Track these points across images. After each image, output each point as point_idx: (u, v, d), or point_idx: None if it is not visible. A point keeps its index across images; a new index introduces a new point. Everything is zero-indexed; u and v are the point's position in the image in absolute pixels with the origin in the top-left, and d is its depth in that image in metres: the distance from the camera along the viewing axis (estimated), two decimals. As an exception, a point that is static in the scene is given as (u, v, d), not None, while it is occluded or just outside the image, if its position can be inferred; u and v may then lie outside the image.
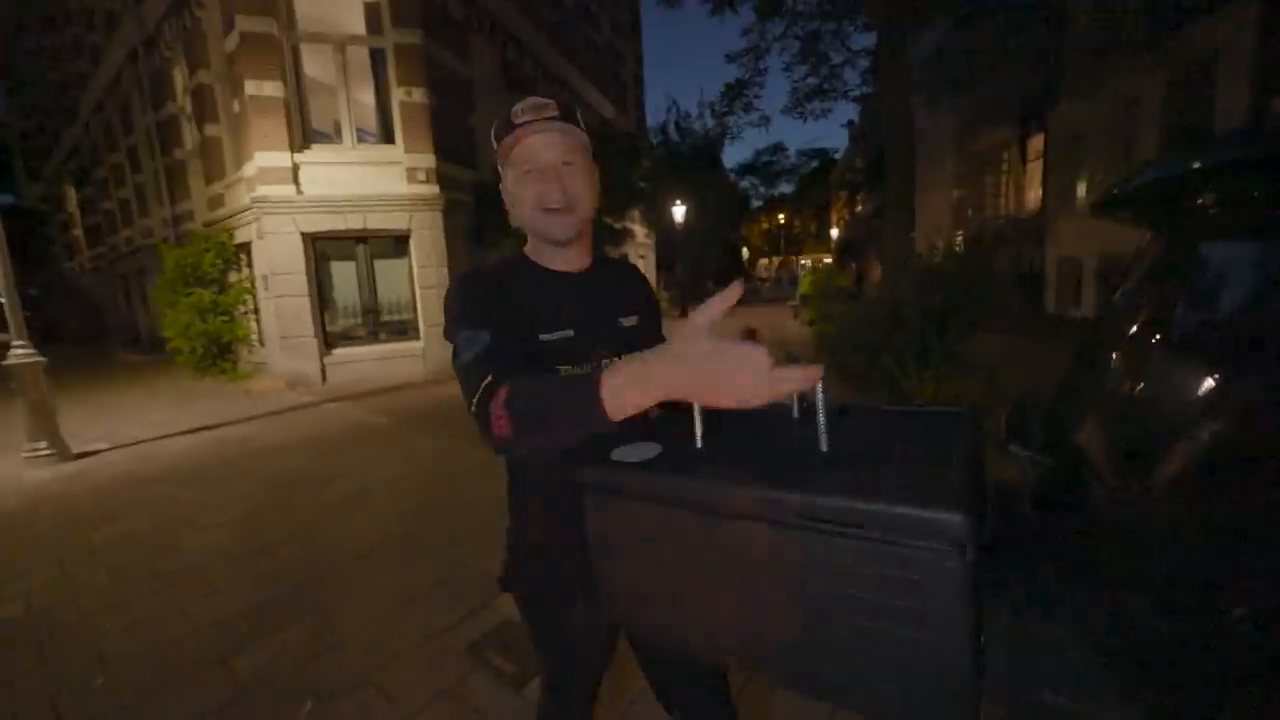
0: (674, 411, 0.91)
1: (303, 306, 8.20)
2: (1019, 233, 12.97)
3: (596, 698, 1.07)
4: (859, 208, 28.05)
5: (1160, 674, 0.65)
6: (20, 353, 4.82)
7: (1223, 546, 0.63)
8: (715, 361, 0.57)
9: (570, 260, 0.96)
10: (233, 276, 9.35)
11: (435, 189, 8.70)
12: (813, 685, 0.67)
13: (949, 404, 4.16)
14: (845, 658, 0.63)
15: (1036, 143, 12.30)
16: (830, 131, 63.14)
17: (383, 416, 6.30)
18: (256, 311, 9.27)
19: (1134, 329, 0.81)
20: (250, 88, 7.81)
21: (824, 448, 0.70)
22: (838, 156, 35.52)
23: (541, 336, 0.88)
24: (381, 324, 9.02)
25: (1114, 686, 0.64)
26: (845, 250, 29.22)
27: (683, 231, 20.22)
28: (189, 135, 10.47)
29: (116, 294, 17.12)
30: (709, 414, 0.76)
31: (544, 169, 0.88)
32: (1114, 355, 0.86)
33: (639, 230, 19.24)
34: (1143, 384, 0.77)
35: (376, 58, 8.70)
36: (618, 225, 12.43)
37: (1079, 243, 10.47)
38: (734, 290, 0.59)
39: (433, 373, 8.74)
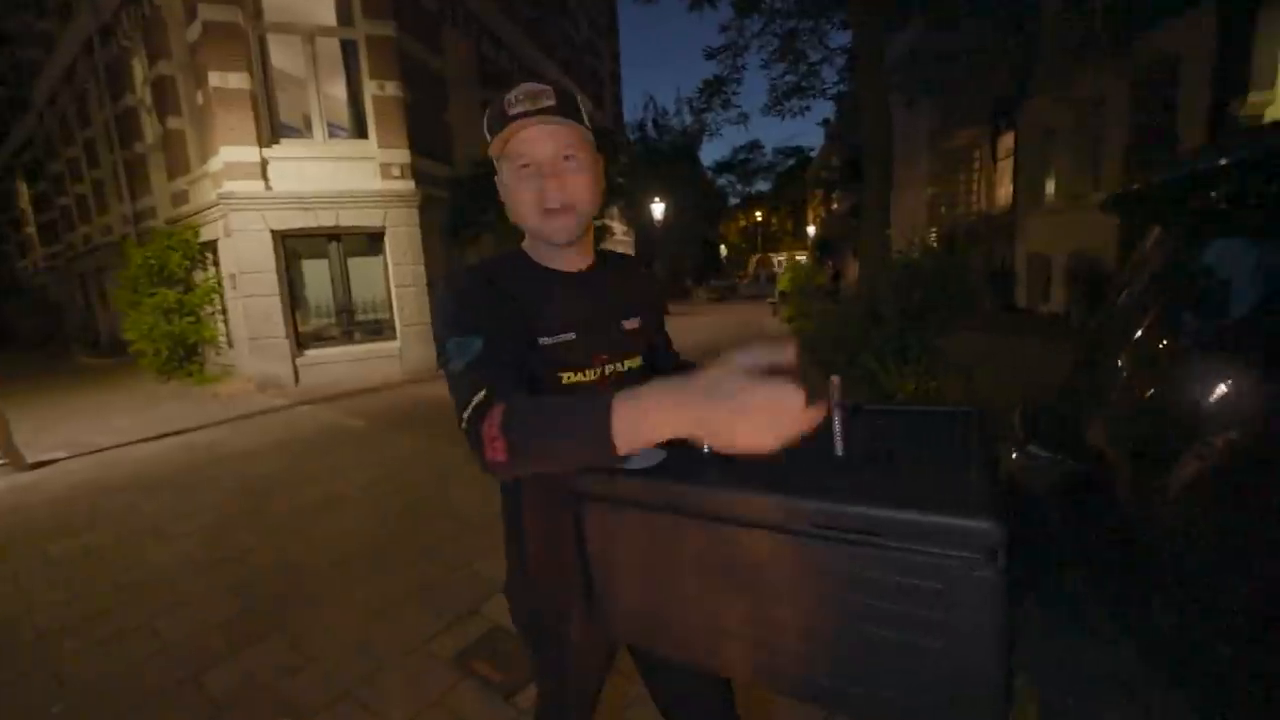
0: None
1: (273, 306, 7.97)
2: (991, 229, 13.24)
3: (596, 707, 1.03)
4: (835, 205, 28.39)
5: (1204, 687, 0.64)
6: (-31, 356, 4.58)
7: (1239, 549, 0.62)
8: (751, 397, 0.52)
9: (571, 259, 0.89)
10: (199, 276, 9.03)
11: (410, 185, 8.52)
12: (831, 699, 0.64)
13: (929, 401, 4.23)
14: (865, 671, 0.61)
15: (1007, 140, 12.56)
16: (806, 129, 63.97)
17: (358, 419, 6.14)
18: (224, 312, 8.97)
19: (1142, 330, 0.80)
20: (214, 79, 7.54)
21: (839, 451, 0.67)
22: (814, 154, 36.01)
23: (541, 340, 0.82)
24: (356, 324, 8.82)
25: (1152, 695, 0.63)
26: (821, 247, 29.55)
27: (661, 229, 20.25)
28: (150, 128, 10.08)
29: (74, 294, 16.42)
30: None
31: (541, 165, 0.81)
32: (1121, 356, 0.85)
33: (618, 227, 19.23)
34: (1154, 385, 0.76)
35: (348, 50, 8.47)
36: (596, 221, 12.36)
37: (1048, 239, 10.73)
38: (791, 351, 0.55)
39: (410, 373, 8.57)
